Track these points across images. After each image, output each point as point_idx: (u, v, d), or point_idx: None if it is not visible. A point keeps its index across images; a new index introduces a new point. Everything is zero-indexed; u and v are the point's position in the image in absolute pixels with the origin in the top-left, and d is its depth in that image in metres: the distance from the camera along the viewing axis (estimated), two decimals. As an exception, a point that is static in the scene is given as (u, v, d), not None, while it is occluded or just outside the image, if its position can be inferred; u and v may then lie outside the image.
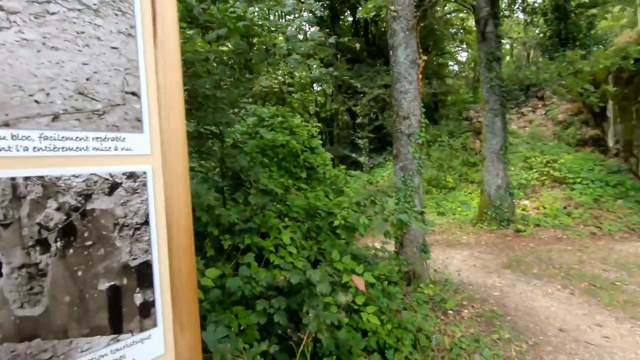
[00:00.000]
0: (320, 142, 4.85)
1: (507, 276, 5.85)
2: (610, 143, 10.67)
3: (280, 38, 3.21)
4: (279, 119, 4.26)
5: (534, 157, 10.69)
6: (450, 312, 4.53)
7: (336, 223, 2.45)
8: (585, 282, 5.23)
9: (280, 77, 13.31)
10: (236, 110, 4.42)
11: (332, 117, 22.57)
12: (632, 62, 7.71)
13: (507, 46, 26.69)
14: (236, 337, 1.83)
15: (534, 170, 10.31)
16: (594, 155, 10.58)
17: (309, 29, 23.19)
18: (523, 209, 9.42)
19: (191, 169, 3.65)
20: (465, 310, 4.59)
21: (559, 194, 9.58)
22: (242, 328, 2.17)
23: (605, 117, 10.97)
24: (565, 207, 9.01)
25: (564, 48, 13.19)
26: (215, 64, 2.42)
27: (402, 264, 5.25)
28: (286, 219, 2.64)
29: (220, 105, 2.49)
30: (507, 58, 25.16)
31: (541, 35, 16.02)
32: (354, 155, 14.52)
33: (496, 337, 3.89)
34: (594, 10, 13.89)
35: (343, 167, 5.16)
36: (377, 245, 6.13)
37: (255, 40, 2.57)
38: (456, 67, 25.95)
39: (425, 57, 5.08)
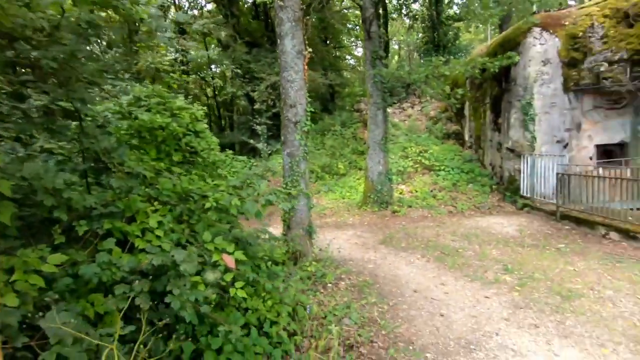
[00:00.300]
0: (206, 126, 4.74)
1: (381, 251, 6.69)
2: (466, 137, 12.88)
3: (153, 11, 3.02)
4: (156, 99, 4.01)
5: (410, 148, 12.22)
6: (330, 285, 5.01)
7: (207, 205, 2.50)
8: (438, 251, 6.33)
9: (170, 55, 12.28)
10: (106, 87, 4.00)
11: (231, 102, 21.80)
12: (477, 71, 9.40)
13: (396, 46, 29.51)
14: (88, 323, 1.76)
15: (410, 159, 11.81)
16: (455, 147, 12.64)
17: (205, 5, 21.72)
18: (400, 193, 10.75)
19: (47, 150, 3.21)
20: (343, 282, 5.13)
21: (428, 179, 11.20)
22: (102, 315, 2.08)
23: (463, 116, 13.16)
24: (432, 191, 10.61)
25: (436, 53, 15.26)
26: (66, 34, 2.16)
27: (288, 244, 5.56)
28: (156, 203, 2.57)
29: (74, 78, 2.26)
30: (396, 57, 27.87)
31: (419, 40, 18.12)
32: (252, 141, 14.41)
33: (364, 302, 4.48)
34: (459, 24, 16.37)
35: (230, 152, 5.15)
36: (274, 230, 6.31)
37: (112, 12, 2.38)
38: (353, 62, 27.63)
39: (310, 49, 5.36)
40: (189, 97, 12.47)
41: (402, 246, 6.85)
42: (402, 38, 22.07)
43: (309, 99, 5.64)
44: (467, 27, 16.90)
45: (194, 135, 4.49)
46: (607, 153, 9.49)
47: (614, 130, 9.27)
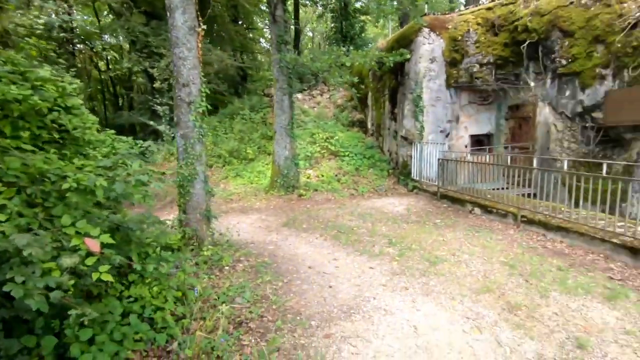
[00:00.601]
0: (81, 102, 4.22)
1: (283, 232, 6.89)
2: (369, 125, 13.83)
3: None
4: (8, 66, 3.43)
5: (318, 134, 12.65)
6: (227, 268, 5.01)
7: (65, 186, 2.28)
8: (335, 230, 6.79)
9: (44, 17, 10.41)
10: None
11: (129, 79, 19.64)
12: (374, 63, 10.12)
13: (310, 34, 29.83)
14: None
15: (317, 144, 12.24)
16: (359, 135, 13.48)
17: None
18: (307, 177, 11.12)
19: None
20: (240, 265, 5.18)
21: (334, 164, 11.77)
22: None
23: (367, 105, 14.06)
24: (336, 175, 11.20)
25: (343, 44, 15.88)
26: None
27: (184, 230, 5.37)
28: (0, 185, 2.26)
29: None
30: (310, 45, 28.18)
31: (328, 29, 18.60)
32: (152, 123, 13.26)
33: (259, 281, 4.61)
34: (365, 17, 17.26)
35: (112, 131, 4.71)
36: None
37: None
38: (267, 45, 27.11)
39: (204, 26, 5.13)
40: (73, 69, 10.85)
41: (304, 227, 7.15)
42: (314, 26, 22.38)
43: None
44: (374, 21, 17.95)
45: (65, 112, 3.98)
46: (479, 142, 11.19)
47: (483, 123, 10.94)
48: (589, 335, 3.23)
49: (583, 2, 8.09)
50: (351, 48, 13.78)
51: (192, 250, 5.32)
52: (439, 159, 9.03)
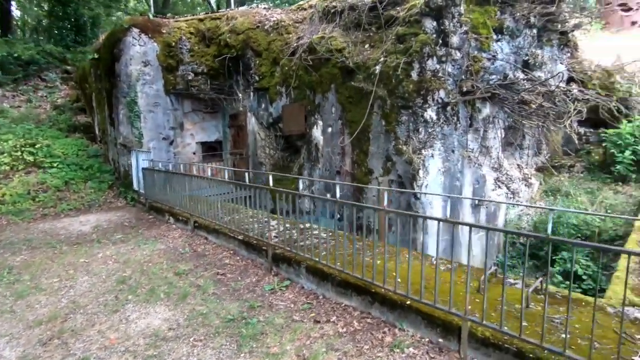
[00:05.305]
0: None
1: None
2: (97, 131, 12.07)
3: None
4: None
5: (7, 141, 9.97)
6: None
7: None
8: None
9: None
10: None
11: None
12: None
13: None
14: None
15: (6, 154, 9.62)
16: (80, 142, 11.53)
17: None
18: (-16, 198, 8.50)
19: None
20: None
21: (32, 179, 9.51)
22: None
23: (93, 107, 12.23)
24: (29, 193, 9.04)
25: (64, 34, 13.37)
26: None
27: None
28: None
29: None
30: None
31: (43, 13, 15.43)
32: None
33: None
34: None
35: None
36: None
37: None
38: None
39: None
40: None
41: None
42: (27, 7, 18.16)
43: None
44: (106, 13, 15.94)
45: None
46: (213, 148, 11.46)
47: (211, 131, 11.26)
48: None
49: (266, 27, 9.35)
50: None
51: None
52: (142, 169, 8.54)
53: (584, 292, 5.57)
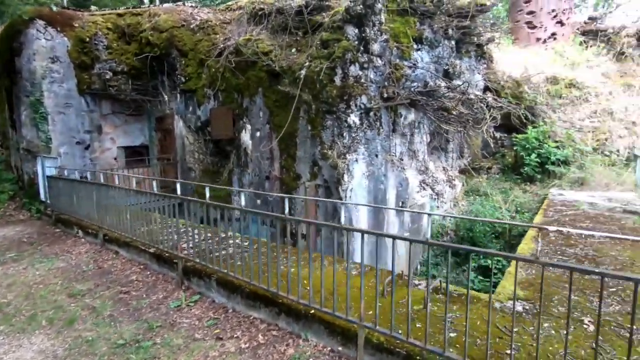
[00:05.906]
0: None
1: None
2: (-3, 134, 10.60)
3: None
4: None
5: None
6: None
7: None
8: None
9: None
10: None
11: None
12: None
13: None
14: None
15: None
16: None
17: None
18: None
19: None
20: None
21: None
22: None
23: (-8, 108, 10.72)
24: None
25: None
26: None
27: None
28: None
29: None
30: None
31: None
32: None
33: None
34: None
35: None
36: None
37: None
38: None
39: None
40: None
41: None
42: None
43: None
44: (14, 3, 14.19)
45: None
46: (138, 153, 10.61)
47: (135, 134, 10.43)
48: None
49: (192, 26, 8.90)
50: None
51: None
52: (48, 177, 7.63)
53: (495, 285, 5.98)
